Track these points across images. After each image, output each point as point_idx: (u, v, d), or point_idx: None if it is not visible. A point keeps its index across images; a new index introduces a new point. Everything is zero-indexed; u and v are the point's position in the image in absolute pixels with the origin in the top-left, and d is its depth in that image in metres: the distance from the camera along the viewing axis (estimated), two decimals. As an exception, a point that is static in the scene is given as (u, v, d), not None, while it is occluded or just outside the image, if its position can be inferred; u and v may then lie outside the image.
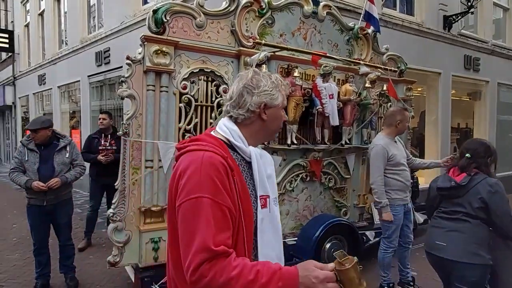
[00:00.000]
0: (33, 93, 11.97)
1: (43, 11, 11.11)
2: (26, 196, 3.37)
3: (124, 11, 6.96)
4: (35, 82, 11.48)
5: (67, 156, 3.44)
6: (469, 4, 7.06)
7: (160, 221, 2.99)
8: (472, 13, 7.45)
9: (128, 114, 2.88)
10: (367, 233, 4.11)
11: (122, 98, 2.91)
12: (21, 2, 12.69)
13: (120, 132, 2.90)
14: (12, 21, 13.67)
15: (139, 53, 2.89)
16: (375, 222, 4.37)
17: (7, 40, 12.92)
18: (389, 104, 4.55)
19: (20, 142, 3.43)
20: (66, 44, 9.79)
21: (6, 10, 14.39)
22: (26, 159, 3.30)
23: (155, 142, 2.94)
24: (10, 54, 13.55)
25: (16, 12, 13.27)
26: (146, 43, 2.84)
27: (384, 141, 3.32)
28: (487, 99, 8.72)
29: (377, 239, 4.16)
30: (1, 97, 14.07)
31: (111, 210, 2.85)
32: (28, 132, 3.48)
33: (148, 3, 6.83)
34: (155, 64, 2.85)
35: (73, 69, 9.05)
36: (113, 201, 2.91)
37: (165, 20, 2.93)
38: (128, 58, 2.84)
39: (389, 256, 3.35)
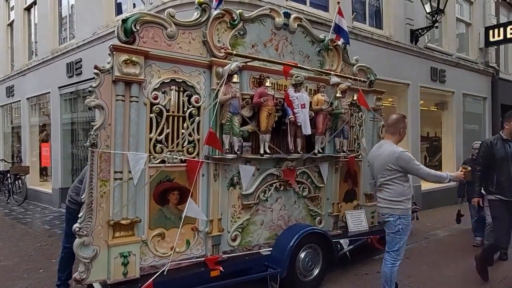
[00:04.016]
0: (1, 106, 11.50)
1: (12, 21, 10.79)
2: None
3: (97, 21, 6.87)
4: (3, 94, 11.04)
5: None
6: (434, 19, 7.43)
7: (129, 235, 2.90)
8: (437, 27, 7.82)
9: (96, 125, 2.81)
10: (341, 241, 4.14)
11: (90, 108, 2.85)
12: (-11, 12, 12.27)
13: (88, 143, 2.82)
14: (-21, 32, 13.17)
15: (108, 63, 2.84)
16: (349, 230, 4.43)
17: (-27, 51, 12.43)
18: (360, 113, 4.67)
19: None
20: (36, 55, 9.52)
21: (-28, 20, 13.87)
22: None
23: (125, 153, 2.87)
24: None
25: (-17, 23, 12.80)
26: (115, 52, 2.79)
27: (402, 148, 3.15)
28: (454, 109, 9.13)
29: (351, 247, 4.20)
30: (-34, 110, 13.42)
31: (77, 225, 2.74)
32: None
33: (122, 13, 6.77)
34: (124, 74, 2.80)
35: (43, 80, 8.78)
36: (79, 215, 2.80)
37: (135, 30, 2.90)
38: (96, 67, 2.79)
39: (396, 268, 3.18)
